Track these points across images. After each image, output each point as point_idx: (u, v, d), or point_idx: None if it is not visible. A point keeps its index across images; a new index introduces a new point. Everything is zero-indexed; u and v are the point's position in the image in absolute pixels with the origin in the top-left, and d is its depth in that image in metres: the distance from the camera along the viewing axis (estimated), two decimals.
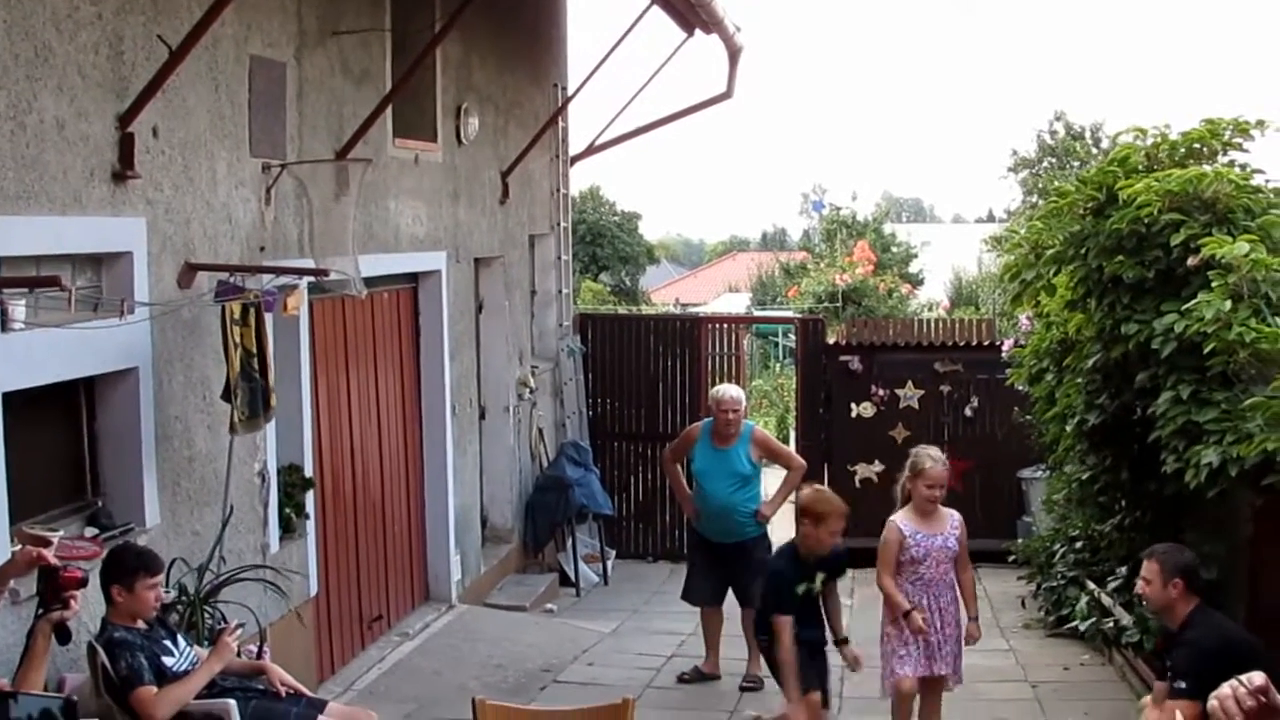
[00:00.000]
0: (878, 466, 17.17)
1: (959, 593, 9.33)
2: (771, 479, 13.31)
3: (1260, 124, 10.34)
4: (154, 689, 6.82)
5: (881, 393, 17.36)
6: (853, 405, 17.47)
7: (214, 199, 8.82)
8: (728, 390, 11.73)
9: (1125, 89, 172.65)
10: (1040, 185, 44.30)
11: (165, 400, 8.31)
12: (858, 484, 17.35)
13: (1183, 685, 7.59)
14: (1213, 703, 3.28)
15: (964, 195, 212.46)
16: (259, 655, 7.89)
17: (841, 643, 9.70)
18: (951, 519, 9.33)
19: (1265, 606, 9.04)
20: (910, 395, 17.27)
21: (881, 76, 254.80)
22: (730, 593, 11.64)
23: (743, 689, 11.28)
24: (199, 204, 8.63)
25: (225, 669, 7.30)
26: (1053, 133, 56.49)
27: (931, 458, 9.27)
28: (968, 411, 17.18)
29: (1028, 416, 13.88)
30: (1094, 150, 48.69)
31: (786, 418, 25.28)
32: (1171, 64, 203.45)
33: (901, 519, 9.29)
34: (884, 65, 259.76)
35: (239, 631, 7.40)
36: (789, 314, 28.93)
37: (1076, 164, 44.82)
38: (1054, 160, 54.34)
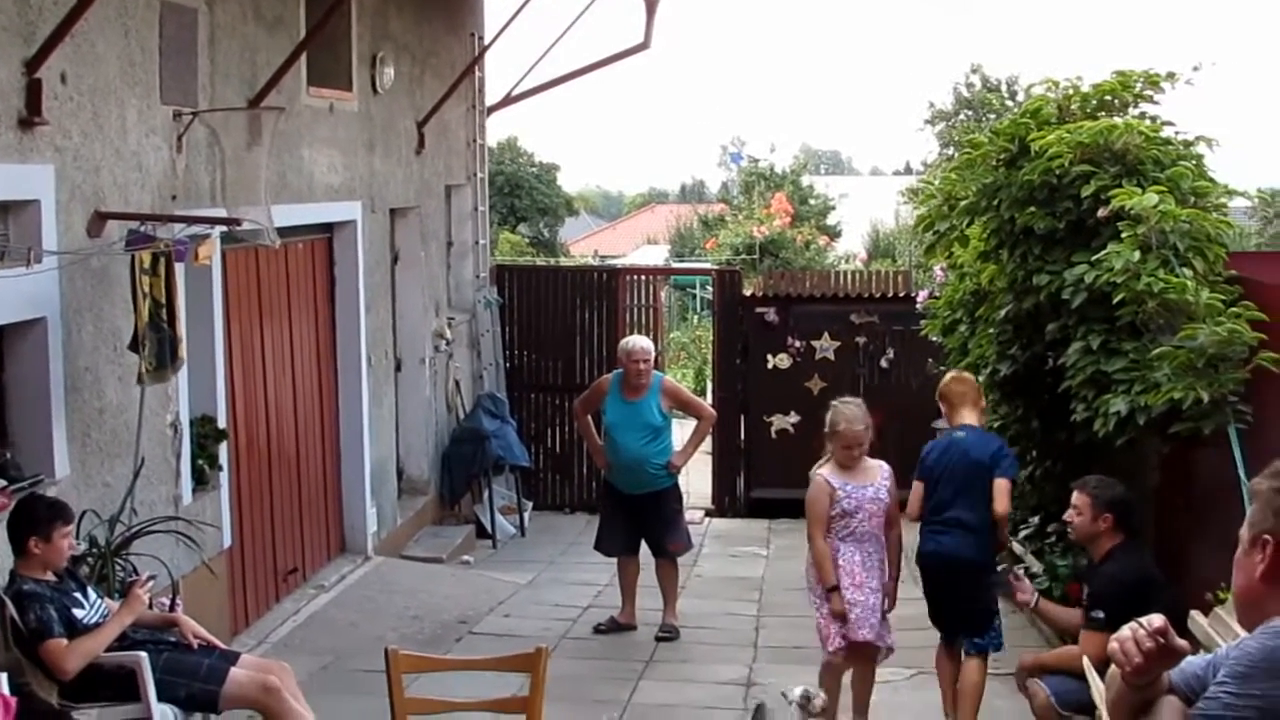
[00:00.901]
0: (794, 418, 17.28)
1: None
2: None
3: (1170, 76, 10.42)
4: (64, 641, 6.78)
5: (798, 344, 17.41)
6: (769, 357, 17.53)
7: (124, 147, 8.72)
8: (637, 341, 11.73)
9: (1042, 42, 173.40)
10: (956, 138, 44.43)
11: (75, 351, 8.22)
12: (774, 435, 17.48)
13: (1100, 615, 7.70)
14: (1113, 645, 3.33)
15: (882, 147, 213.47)
16: (171, 608, 7.85)
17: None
18: (881, 470, 8.97)
19: (1170, 552, 9.17)
20: (826, 347, 17.34)
21: (800, 28, 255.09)
22: (645, 543, 11.67)
23: (658, 639, 11.33)
24: (109, 151, 8.53)
25: (137, 621, 7.28)
26: (969, 85, 56.64)
27: (848, 418, 8.81)
28: (883, 363, 17.28)
29: (942, 367, 13.96)
30: (1009, 103, 48.80)
31: (704, 369, 25.34)
32: (1087, 17, 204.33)
33: (827, 472, 8.87)
34: (802, 17, 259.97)
35: (150, 584, 7.37)
36: (706, 266, 28.89)
37: (992, 116, 44.91)
38: (970, 113, 54.49)
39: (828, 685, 8.71)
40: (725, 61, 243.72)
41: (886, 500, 8.89)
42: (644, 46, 17.22)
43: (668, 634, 11.37)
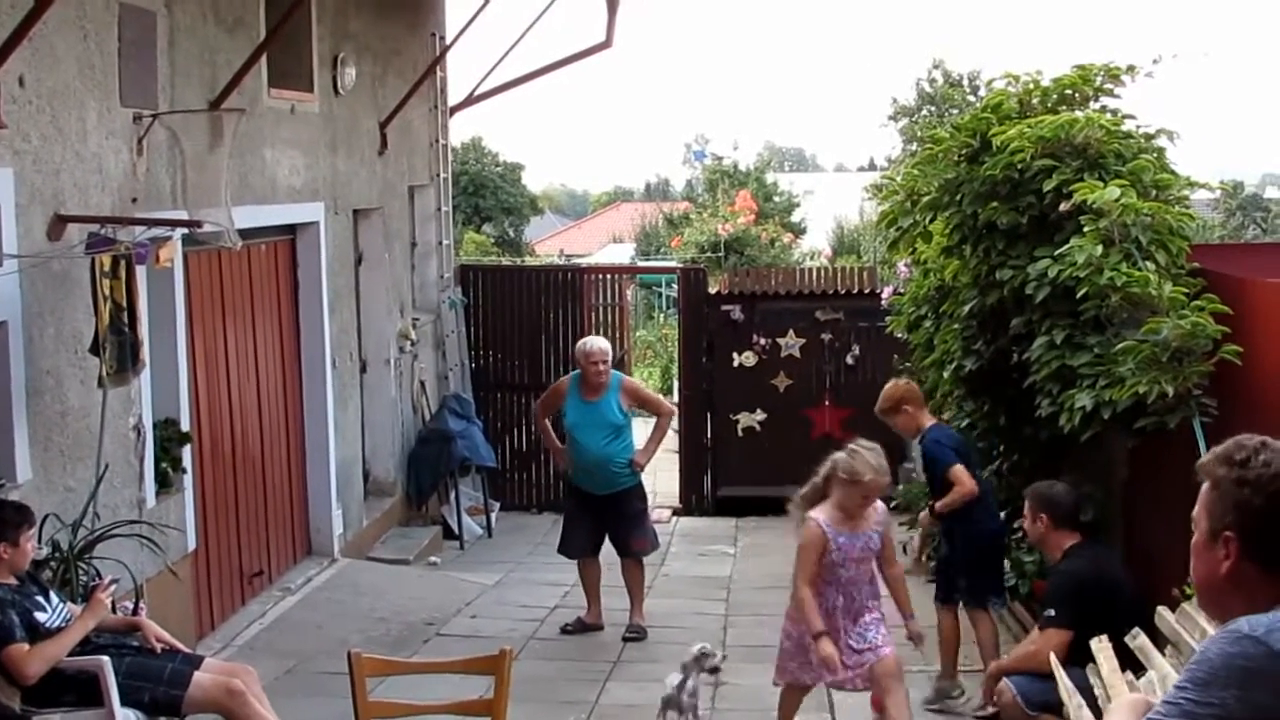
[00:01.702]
0: (760, 415, 17.29)
1: (880, 585, 8.51)
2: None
3: (1131, 69, 10.44)
4: (25, 646, 6.74)
5: (763, 341, 17.40)
6: (735, 354, 17.49)
7: (84, 149, 8.67)
8: (594, 342, 11.74)
9: (1003, 37, 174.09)
10: (919, 133, 44.49)
11: (36, 354, 8.18)
12: (740, 433, 17.45)
13: (1051, 613, 7.76)
14: None
15: (846, 144, 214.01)
16: (135, 612, 7.82)
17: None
18: (877, 512, 8.37)
19: (1139, 546, 9.20)
20: (792, 344, 17.32)
21: (762, 25, 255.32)
22: (611, 543, 11.65)
23: (625, 639, 11.32)
24: (69, 154, 8.48)
25: (99, 626, 7.24)
26: (931, 81, 56.66)
27: (875, 469, 8.20)
28: (849, 359, 17.26)
29: (907, 364, 13.97)
30: (971, 98, 48.92)
31: (670, 368, 25.34)
32: (1048, 11, 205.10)
33: (825, 518, 8.21)
34: (765, 14, 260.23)
35: (113, 587, 7.33)
36: (672, 264, 28.89)
37: (955, 111, 44.98)
38: (933, 108, 54.55)
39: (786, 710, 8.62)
40: (688, 59, 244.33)
41: (879, 546, 8.36)
42: (607, 45, 17.20)
43: (635, 634, 11.36)
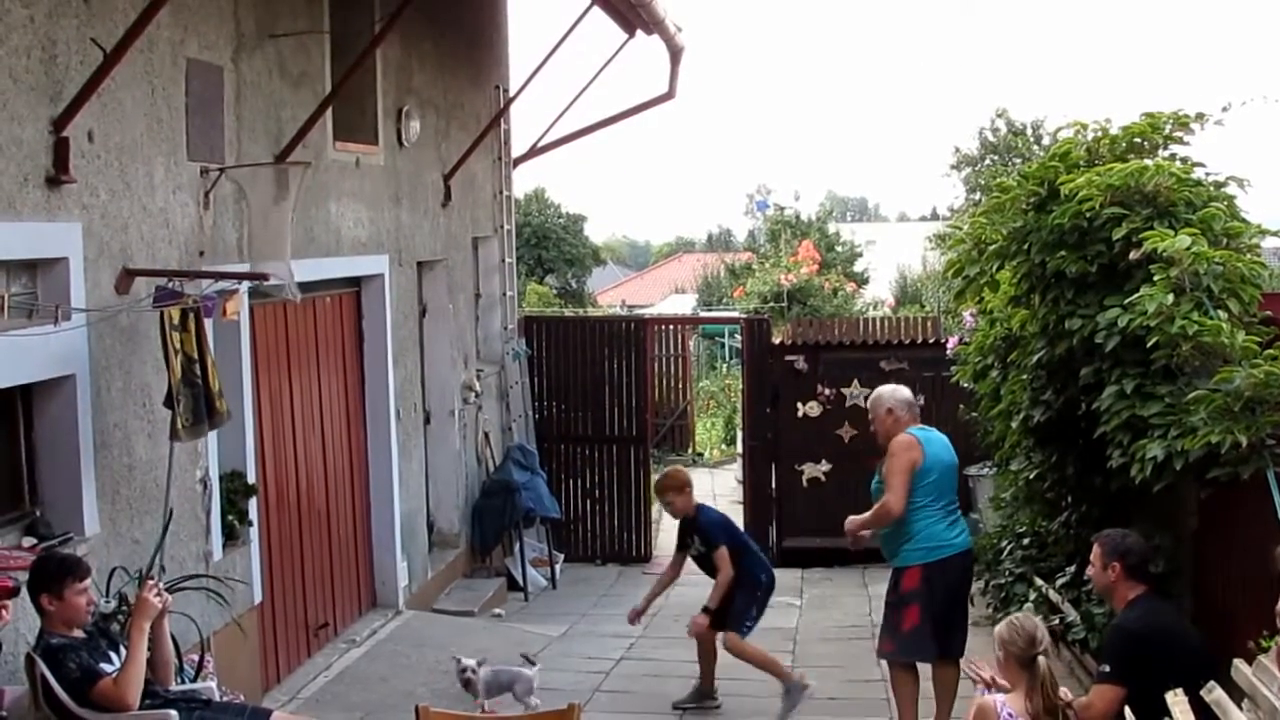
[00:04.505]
0: (825, 466, 17.22)
1: None
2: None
3: (1200, 117, 10.35)
4: (113, 680, 6.74)
5: (828, 392, 17.35)
6: (799, 405, 17.46)
7: (151, 203, 8.72)
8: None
9: (1067, 85, 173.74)
10: (983, 182, 44.39)
11: (104, 407, 8.21)
12: (805, 483, 17.38)
13: (1106, 669, 7.64)
14: None
15: (908, 194, 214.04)
16: (200, 666, 7.81)
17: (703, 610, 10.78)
18: None
19: (1209, 598, 9.06)
20: (856, 394, 17.24)
21: (824, 76, 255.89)
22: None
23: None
24: (136, 209, 8.53)
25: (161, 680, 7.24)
26: (995, 130, 56.56)
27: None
28: None
29: (973, 414, 13.87)
30: (1035, 147, 48.82)
31: (734, 418, 25.27)
32: (1112, 59, 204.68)
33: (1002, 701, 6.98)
34: (827, 65, 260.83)
35: (157, 586, 7.26)
36: (735, 314, 28.83)
37: (1018, 160, 44.93)
38: (996, 157, 54.42)
39: None
40: (750, 110, 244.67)
41: None
42: (669, 96, 17.26)
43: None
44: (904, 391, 10.24)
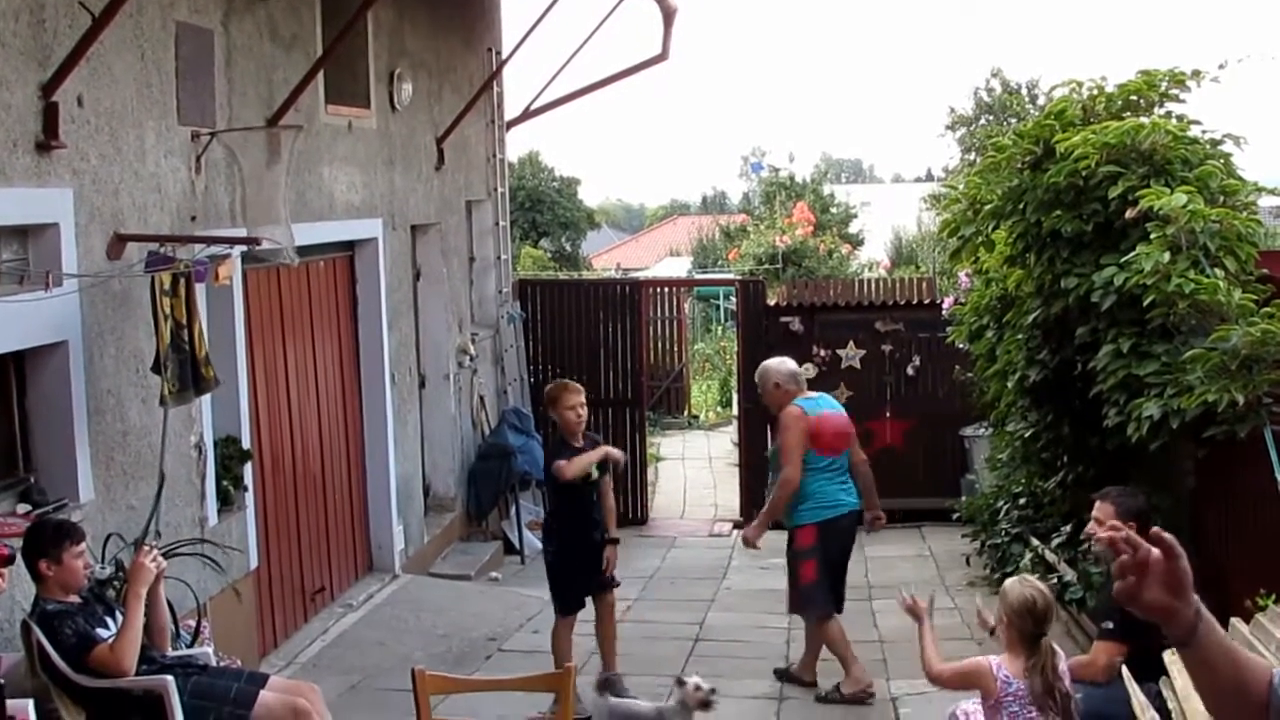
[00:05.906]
0: None
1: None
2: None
3: (1196, 75, 10.32)
4: (109, 645, 6.74)
5: (823, 353, 17.32)
6: None
7: (142, 168, 8.67)
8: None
9: (1062, 44, 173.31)
10: (978, 142, 44.27)
11: (97, 374, 8.18)
12: None
13: (1109, 625, 7.63)
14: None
15: (903, 155, 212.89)
16: (197, 632, 7.79)
17: (610, 541, 9.99)
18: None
19: (1208, 557, 9.07)
20: (852, 355, 17.24)
21: (818, 37, 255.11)
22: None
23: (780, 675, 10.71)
24: (127, 174, 8.49)
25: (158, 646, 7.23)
26: (989, 90, 56.29)
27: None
28: (909, 370, 17.15)
29: (969, 374, 13.88)
30: (1030, 107, 48.67)
31: (729, 380, 25.27)
32: (1108, 18, 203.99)
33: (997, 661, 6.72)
34: (820, 25, 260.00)
35: (152, 551, 7.25)
36: (730, 276, 28.79)
37: (1013, 120, 44.77)
38: (991, 117, 54.22)
39: None
40: (744, 72, 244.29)
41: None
42: (662, 58, 17.16)
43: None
44: (789, 363, 10.66)
